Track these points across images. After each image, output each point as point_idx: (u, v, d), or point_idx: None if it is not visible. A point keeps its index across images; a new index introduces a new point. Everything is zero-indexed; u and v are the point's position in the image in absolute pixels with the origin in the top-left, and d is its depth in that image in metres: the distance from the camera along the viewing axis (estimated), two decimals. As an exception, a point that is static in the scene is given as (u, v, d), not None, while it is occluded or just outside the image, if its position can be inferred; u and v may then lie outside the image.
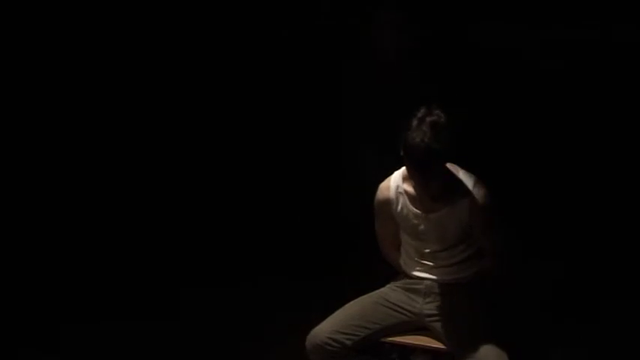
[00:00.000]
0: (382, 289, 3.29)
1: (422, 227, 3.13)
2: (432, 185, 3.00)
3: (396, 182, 3.18)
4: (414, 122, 2.92)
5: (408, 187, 3.13)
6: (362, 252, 4.02)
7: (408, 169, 3.03)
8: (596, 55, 4.58)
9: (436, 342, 3.16)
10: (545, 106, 4.73)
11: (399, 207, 3.16)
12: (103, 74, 5.20)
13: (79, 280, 4.67)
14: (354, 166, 4.62)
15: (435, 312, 3.17)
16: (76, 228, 5.06)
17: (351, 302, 3.25)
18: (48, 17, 5.07)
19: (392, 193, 3.17)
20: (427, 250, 3.18)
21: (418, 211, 3.12)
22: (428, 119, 2.91)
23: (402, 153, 2.96)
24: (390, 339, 3.20)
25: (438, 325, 3.15)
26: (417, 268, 3.23)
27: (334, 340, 3.11)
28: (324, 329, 3.13)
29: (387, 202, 3.18)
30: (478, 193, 3.06)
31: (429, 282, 3.21)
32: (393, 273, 3.35)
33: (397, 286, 3.27)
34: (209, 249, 4.95)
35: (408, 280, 3.26)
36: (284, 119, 5.15)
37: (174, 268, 4.80)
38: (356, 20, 4.85)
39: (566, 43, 4.62)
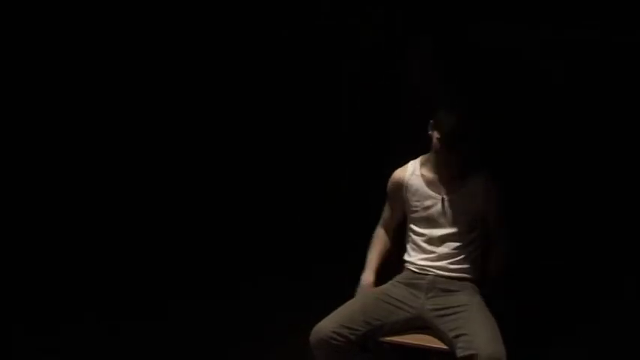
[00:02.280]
0: (384, 286, 3.32)
1: (435, 209, 3.25)
2: (454, 161, 3.17)
3: (413, 166, 3.33)
4: (444, 106, 3.16)
5: (426, 172, 3.28)
6: (362, 252, 4.02)
7: (434, 143, 3.16)
8: (596, 55, 4.58)
9: (436, 342, 3.16)
10: (545, 107, 4.72)
11: (414, 189, 3.29)
12: (104, 75, 5.21)
13: (79, 280, 4.68)
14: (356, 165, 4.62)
15: (437, 307, 3.19)
16: (76, 229, 5.07)
17: (354, 299, 3.28)
18: (48, 17, 5.08)
19: (407, 176, 3.31)
20: (437, 235, 3.25)
21: (433, 193, 3.25)
22: (457, 104, 3.17)
23: (429, 130, 3.14)
24: (389, 339, 3.20)
25: (439, 321, 3.16)
26: (423, 257, 3.28)
27: (339, 334, 3.12)
28: (329, 324, 3.14)
29: (401, 184, 3.32)
30: (493, 184, 3.24)
31: (431, 277, 3.25)
32: (395, 272, 3.36)
33: (399, 282, 3.31)
34: (209, 249, 4.96)
35: (410, 276, 3.29)
36: (284, 119, 5.16)
37: (174, 269, 4.80)
38: (356, 20, 4.86)
39: (566, 43, 4.62)
